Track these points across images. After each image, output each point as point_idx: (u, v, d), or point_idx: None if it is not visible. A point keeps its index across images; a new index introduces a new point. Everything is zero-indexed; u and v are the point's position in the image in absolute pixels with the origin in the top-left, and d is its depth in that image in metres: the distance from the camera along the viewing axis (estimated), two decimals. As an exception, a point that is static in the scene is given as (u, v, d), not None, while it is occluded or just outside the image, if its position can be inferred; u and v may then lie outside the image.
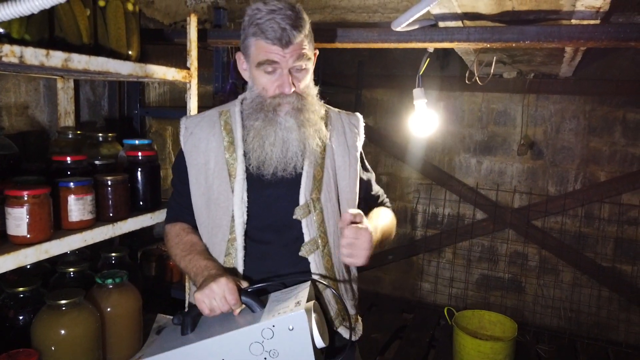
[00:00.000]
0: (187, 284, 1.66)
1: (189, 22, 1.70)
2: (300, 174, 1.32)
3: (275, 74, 1.26)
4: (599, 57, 3.63)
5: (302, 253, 1.31)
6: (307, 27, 1.26)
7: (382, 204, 1.55)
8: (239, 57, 1.35)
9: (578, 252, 3.88)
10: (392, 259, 4.47)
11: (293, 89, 1.26)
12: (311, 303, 1.13)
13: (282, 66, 1.24)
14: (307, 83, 1.31)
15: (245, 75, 1.37)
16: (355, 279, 1.48)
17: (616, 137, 3.72)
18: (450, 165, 4.24)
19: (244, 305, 1.17)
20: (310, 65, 1.30)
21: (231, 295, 1.14)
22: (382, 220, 1.41)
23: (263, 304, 1.17)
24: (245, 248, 1.31)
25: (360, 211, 1.23)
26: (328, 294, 1.35)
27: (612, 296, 3.83)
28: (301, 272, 1.31)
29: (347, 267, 1.43)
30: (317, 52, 1.38)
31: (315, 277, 1.31)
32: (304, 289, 1.18)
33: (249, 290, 1.20)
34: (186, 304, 1.66)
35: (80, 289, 1.28)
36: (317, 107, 1.34)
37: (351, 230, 1.17)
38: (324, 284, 1.30)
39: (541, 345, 3.70)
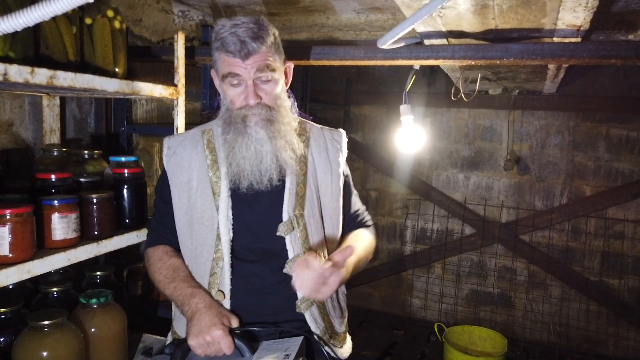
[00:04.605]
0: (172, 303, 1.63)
1: (177, 40, 1.71)
2: (282, 190, 1.32)
3: (240, 87, 1.26)
4: (582, 74, 3.70)
5: (286, 270, 1.30)
6: (271, 39, 1.25)
7: (361, 222, 1.51)
8: (213, 74, 1.36)
9: (566, 266, 3.90)
10: (382, 274, 4.45)
11: (257, 101, 1.25)
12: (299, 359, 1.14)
13: (244, 78, 1.24)
14: (277, 94, 1.29)
15: (220, 90, 1.37)
16: (344, 295, 1.46)
17: (600, 152, 3.78)
18: (438, 181, 4.27)
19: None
20: (278, 76, 1.28)
21: (227, 347, 1.16)
22: (359, 246, 1.36)
23: (253, 350, 1.19)
24: (232, 266, 1.30)
25: (350, 247, 1.20)
26: (314, 312, 1.33)
27: (601, 310, 3.84)
28: (295, 320, 1.31)
29: None
30: (291, 64, 1.37)
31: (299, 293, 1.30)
32: (296, 344, 1.19)
33: (240, 331, 1.21)
34: (172, 324, 1.63)
35: (63, 309, 1.26)
36: (289, 119, 1.32)
37: (328, 270, 1.14)
38: (316, 340, 1.29)
39: (531, 360, 3.70)
